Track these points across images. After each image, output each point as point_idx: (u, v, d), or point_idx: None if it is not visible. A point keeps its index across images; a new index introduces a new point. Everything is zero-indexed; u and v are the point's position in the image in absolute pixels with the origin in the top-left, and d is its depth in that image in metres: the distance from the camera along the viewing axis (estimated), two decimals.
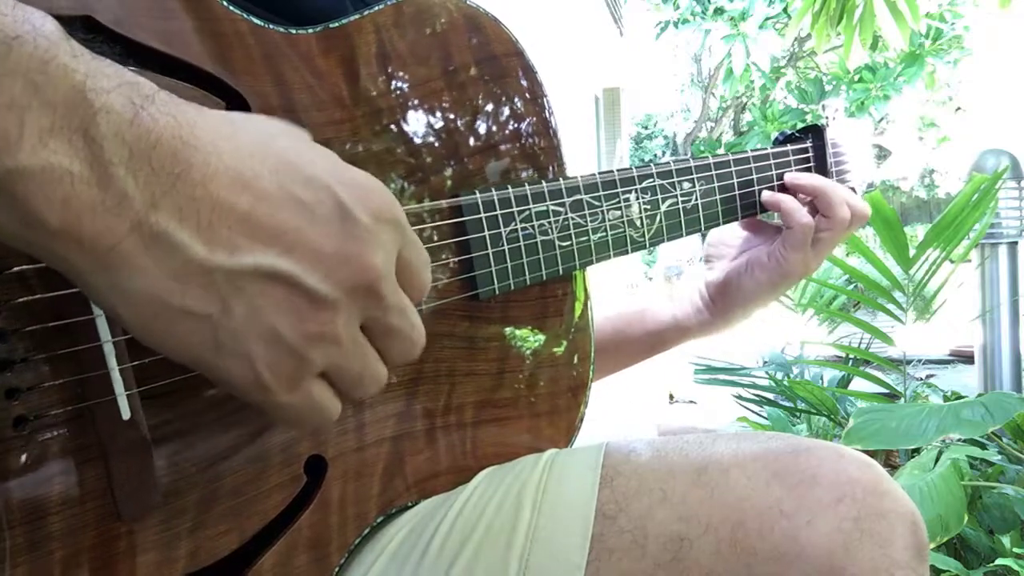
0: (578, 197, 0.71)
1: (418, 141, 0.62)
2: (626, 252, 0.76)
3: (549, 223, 0.69)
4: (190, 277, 0.37)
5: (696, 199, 0.82)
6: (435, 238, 0.62)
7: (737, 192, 0.86)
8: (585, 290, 0.74)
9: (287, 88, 0.55)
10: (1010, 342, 2.43)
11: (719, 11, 13.59)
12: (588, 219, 0.72)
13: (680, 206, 0.80)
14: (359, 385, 0.44)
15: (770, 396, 2.62)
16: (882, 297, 2.23)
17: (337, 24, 0.58)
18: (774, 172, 0.90)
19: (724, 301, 0.92)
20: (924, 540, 0.58)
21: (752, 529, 0.55)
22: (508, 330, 0.68)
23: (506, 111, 0.68)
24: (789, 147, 0.93)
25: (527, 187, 0.67)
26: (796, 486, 0.56)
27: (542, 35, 5.19)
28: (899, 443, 1.67)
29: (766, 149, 0.90)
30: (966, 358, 4.53)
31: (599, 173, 0.73)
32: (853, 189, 0.98)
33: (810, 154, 0.94)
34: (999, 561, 1.56)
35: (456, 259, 0.64)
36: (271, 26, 0.54)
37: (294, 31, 0.56)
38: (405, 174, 0.61)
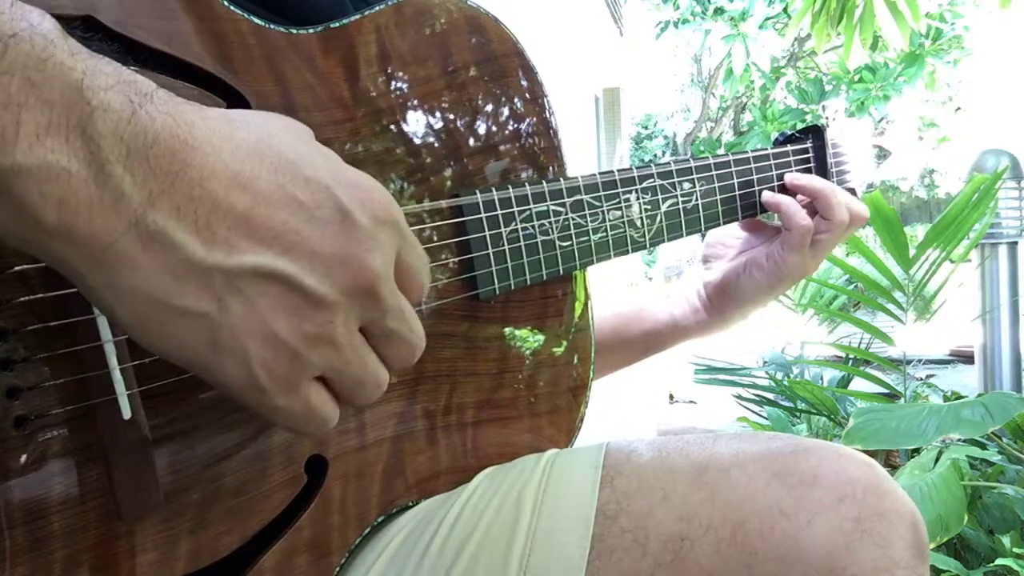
0: (578, 197, 0.71)
1: (418, 141, 0.62)
2: (626, 252, 0.76)
3: (549, 223, 0.69)
4: (187, 276, 0.37)
5: (696, 199, 0.82)
6: (435, 238, 0.62)
7: (737, 192, 0.86)
8: (585, 290, 0.74)
9: (287, 88, 0.55)
10: (1010, 342, 2.43)
11: (719, 11, 13.59)
12: (588, 219, 0.72)
13: (680, 206, 0.80)
14: (360, 389, 0.44)
15: (770, 396, 2.62)
16: (882, 297, 2.23)
17: (337, 24, 0.58)
18: (774, 172, 0.90)
19: (722, 301, 0.92)
20: (924, 540, 0.58)
21: (753, 529, 0.55)
22: (508, 330, 0.68)
23: (506, 111, 0.68)
24: (789, 147, 0.93)
25: (527, 187, 0.67)
26: (796, 486, 0.56)
27: (542, 35, 5.19)
28: (899, 443, 1.67)
29: (766, 149, 0.90)
30: (966, 358, 4.54)
31: (599, 173, 0.73)
32: (853, 190, 0.98)
33: (810, 154, 0.94)
34: (999, 561, 1.56)
35: (456, 259, 0.64)
36: (272, 26, 0.54)
37: (295, 31, 0.56)
38: (405, 174, 0.61)
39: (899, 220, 2.07)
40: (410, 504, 0.62)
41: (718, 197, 0.84)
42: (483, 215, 0.64)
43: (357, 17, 0.59)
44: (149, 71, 0.48)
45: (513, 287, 0.67)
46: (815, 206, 0.88)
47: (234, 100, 0.52)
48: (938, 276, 2.19)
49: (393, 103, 0.60)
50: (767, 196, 0.88)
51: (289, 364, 0.40)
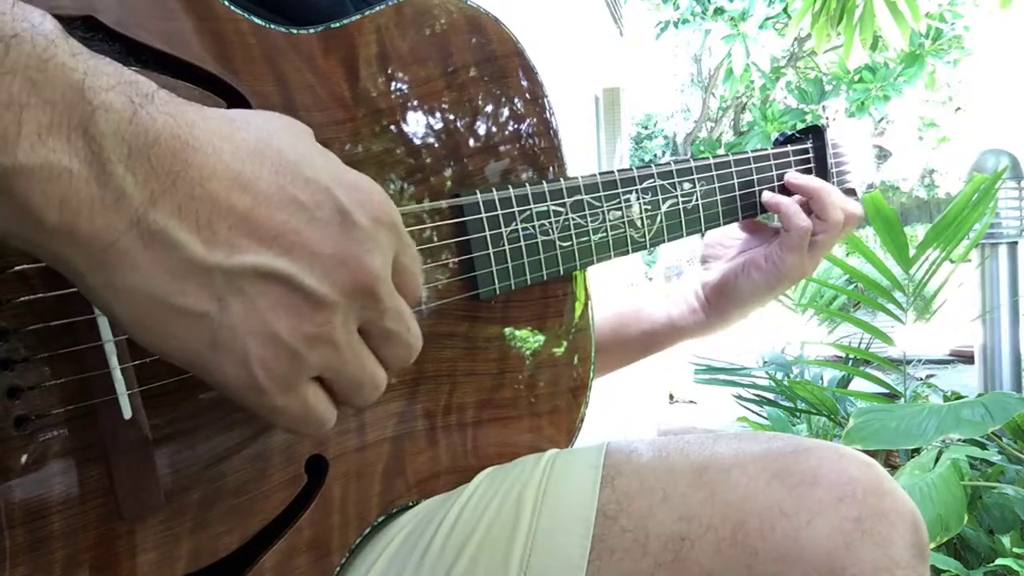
0: (579, 197, 0.71)
1: (419, 141, 0.62)
2: (627, 252, 0.76)
3: (550, 223, 0.69)
4: (188, 275, 0.37)
5: (697, 199, 0.82)
6: (435, 238, 0.62)
7: (738, 193, 0.86)
8: (585, 290, 0.74)
9: (288, 88, 0.55)
10: (1010, 342, 2.43)
11: (719, 11, 13.60)
12: (589, 219, 0.72)
13: (681, 206, 0.80)
14: (357, 389, 0.44)
15: (770, 396, 2.62)
16: (882, 297, 2.23)
17: (338, 24, 0.58)
18: (774, 173, 0.90)
19: (720, 302, 0.92)
20: (925, 540, 0.58)
21: (753, 529, 0.55)
22: (509, 330, 0.68)
23: (507, 111, 0.68)
24: (789, 148, 0.93)
25: (528, 187, 0.67)
26: (797, 486, 0.56)
27: (542, 35, 5.19)
28: (899, 443, 1.67)
29: (766, 150, 0.90)
30: (966, 358, 4.54)
31: (600, 173, 0.73)
32: (853, 190, 0.99)
33: (810, 155, 0.94)
34: (999, 561, 1.56)
35: (457, 259, 0.64)
36: (272, 26, 0.54)
37: (295, 31, 0.56)
38: (406, 174, 0.61)
39: (899, 220, 2.07)
40: (410, 504, 0.62)
41: (718, 197, 0.84)
42: (483, 215, 0.64)
43: (357, 17, 0.59)
44: (150, 71, 0.48)
45: (513, 287, 0.67)
46: (811, 206, 0.88)
47: (234, 100, 0.52)
48: (938, 276, 2.19)
49: (393, 103, 0.60)
50: (767, 196, 0.88)
51: (288, 364, 0.40)
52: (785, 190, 0.89)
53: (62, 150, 0.34)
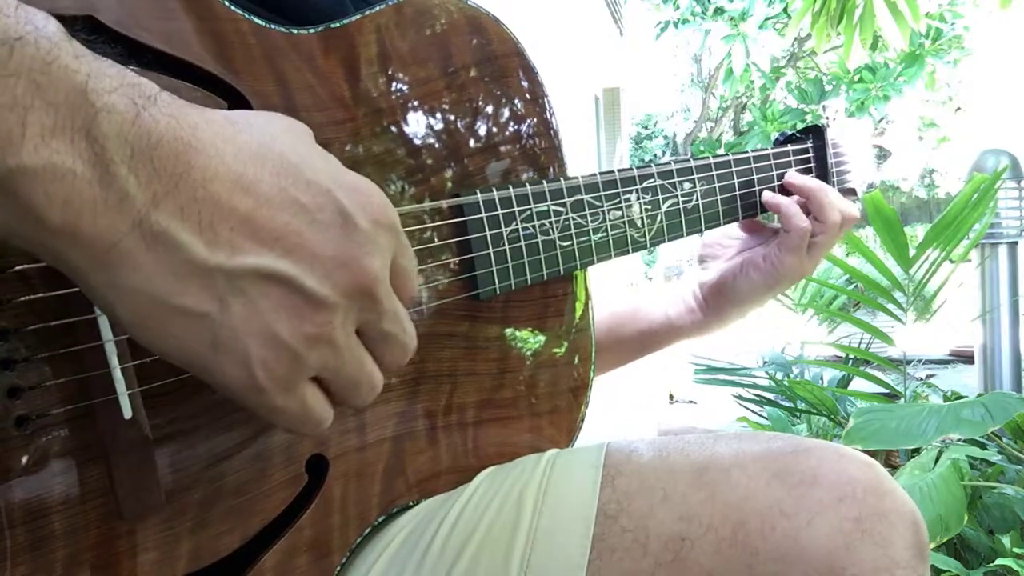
0: (579, 197, 0.71)
1: (419, 141, 0.62)
2: (627, 252, 0.76)
3: (550, 223, 0.69)
4: (190, 276, 0.37)
5: (697, 199, 0.82)
6: (436, 238, 0.62)
7: (738, 192, 0.86)
8: (586, 290, 0.74)
9: (288, 88, 0.55)
10: (1010, 342, 2.43)
11: (719, 11, 13.59)
12: (589, 219, 0.72)
13: (681, 206, 0.80)
14: (355, 390, 0.45)
15: (770, 396, 2.62)
16: (882, 297, 2.23)
17: (338, 24, 0.58)
18: (775, 173, 0.90)
19: (718, 301, 0.92)
20: (925, 540, 0.58)
21: (753, 529, 0.55)
22: (509, 330, 0.68)
23: (507, 111, 0.68)
24: (789, 147, 0.93)
25: (528, 187, 0.67)
26: (797, 486, 0.56)
27: (542, 35, 5.19)
28: (899, 443, 1.67)
29: (767, 150, 0.90)
30: (966, 358, 4.54)
31: (600, 173, 0.73)
32: (853, 190, 0.99)
33: (810, 155, 0.94)
34: (999, 561, 1.56)
35: (457, 259, 0.64)
36: (272, 26, 0.54)
37: (295, 31, 0.56)
38: (406, 174, 0.61)
39: (899, 220, 2.07)
40: (411, 504, 0.62)
41: (718, 197, 0.84)
42: (484, 215, 0.64)
43: (357, 17, 0.59)
44: (151, 72, 0.48)
45: (513, 287, 0.67)
46: (808, 206, 0.88)
47: (235, 100, 0.52)
48: (938, 276, 2.19)
49: (393, 103, 0.60)
50: (767, 196, 0.88)
51: (289, 365, 0.40)
52: (784, 190, 0.89)
53: (65, 152, 0.34)
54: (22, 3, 0.34)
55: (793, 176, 0.90)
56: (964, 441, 1.77)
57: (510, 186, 0.66)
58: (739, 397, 2.66)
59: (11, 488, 0.44)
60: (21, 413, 0.44)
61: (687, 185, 0.81)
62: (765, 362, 2.87)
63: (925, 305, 2.31)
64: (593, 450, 0.63)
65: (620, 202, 0.75)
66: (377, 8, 0.60)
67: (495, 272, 0.65)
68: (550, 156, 0.70)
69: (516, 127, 0.68)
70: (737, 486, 0.57)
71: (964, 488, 1.58)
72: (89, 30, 0.46)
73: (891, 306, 2.19)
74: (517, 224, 0.67)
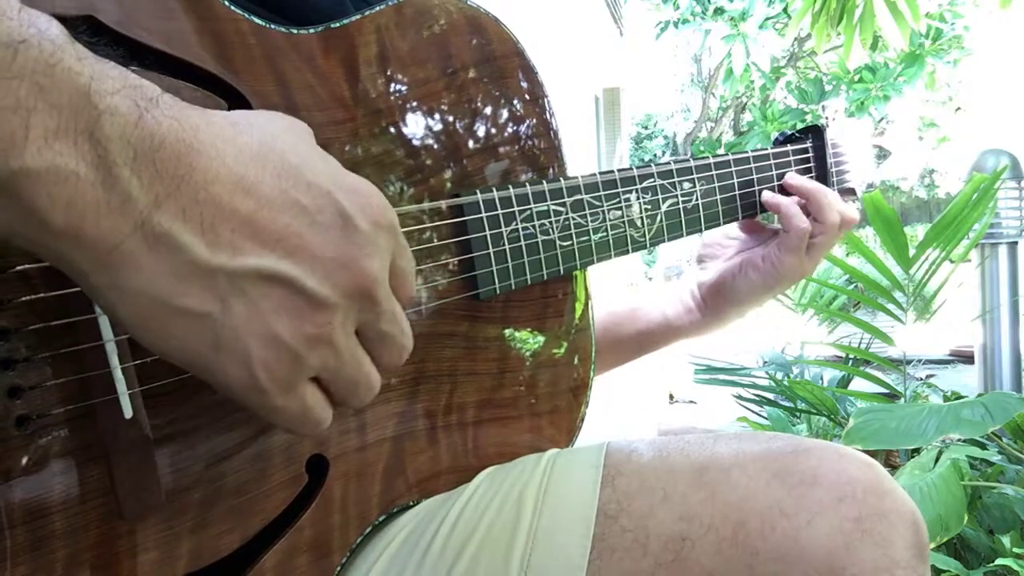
0: (579, 197, 0.71)
1: (419, 142, 0.62)
2: (627, 252, 0.76)
3: (550, 223, 0.69)
4: (192, 277, 0.38)
5: (697, 199, 0.82)
6: (435, 238, 0.62)
7: (737, 192, 0.86)
8: (586, 290, 0.74)
9: (288, 88, 0.55)
10: (1010, 342, 2.43)
11: (719, 11, 13.60)
12: (589, 219, 0.72)
13: (681, 206, 0.80)
14: (353, 390, 0.45)
15: (770, 396, 2.62)
16: (882, 297, 2.23)
17: (338, 24, 0.58)
18: (774, 172, 0.90)
19: (716, 302, 0.92)
20: (925, 540, 0.58)
21: (753, 529, 0.55)
22: (509, 330, 0.68)
23: (506, 112, 0.68)
24: (789, 147, 0.93)
25: (528, 187, 0.67)
26: (797, 486, 0.56)
27: (542, 35, 5.19)
28: (899, 443, 1.67)
29: (766, 149, 0.90)
30: (966, 358, 4.54)
31: (600, 173, 0.73)
32: (853, 190, 0.99)
33: (810, 154, 0.94)
34: (999, 561, 1.56)
35: (457, 259, 0.64)
36: (272, 26, 0.54)
37: (295, 31, 0.56)
38: (405, 174, 0.61)
39: (899, 220, 2.07)
40: (411, 504, 0.62)
41: (718, 197, 0.84)
42: (483, 215, 0.64)
43: (357, 17, 0.59)
44: (152, 73, 0.48)
45: (513, 287, 0.67)
46: (808, 207, 0.88)
47: (235, 100, 0.52)
48: (938, 276, 2.19)
49: (393, 103, 0.60)
50: (767, 196, 0.88)
51: (289, 365, 0.41)
52: (784, 191, 0.89)
53: (69, 154, 0.34)
54: (25, 6, 0.34)
55: (793, 177, 0.90)
56: (964, 441, 1.77)
57: (510, 186, 0.66)
58: (739, 397, 2.66)
59: (11, 488, 0.44)
60: (21, 413, 0.44)
61: (687, 185, 0.81)
62: (765, 362, 2.87)
63: (925, 305, 2.31)
64: (593, 450, 0.64)
65: (620, 202, 0.75)
66: (377, 8, 0.60)
67: (495, 272, 0.65)
68: (550, 156, 0.70)
69: (516, 127, 0.68)
70: (737, 486, 0.57)
71: (964, 488, 1.58)
72: (91, 32, 0.46)
73: (891, 306, 2.19)
74: (517, 224, 0.67)
